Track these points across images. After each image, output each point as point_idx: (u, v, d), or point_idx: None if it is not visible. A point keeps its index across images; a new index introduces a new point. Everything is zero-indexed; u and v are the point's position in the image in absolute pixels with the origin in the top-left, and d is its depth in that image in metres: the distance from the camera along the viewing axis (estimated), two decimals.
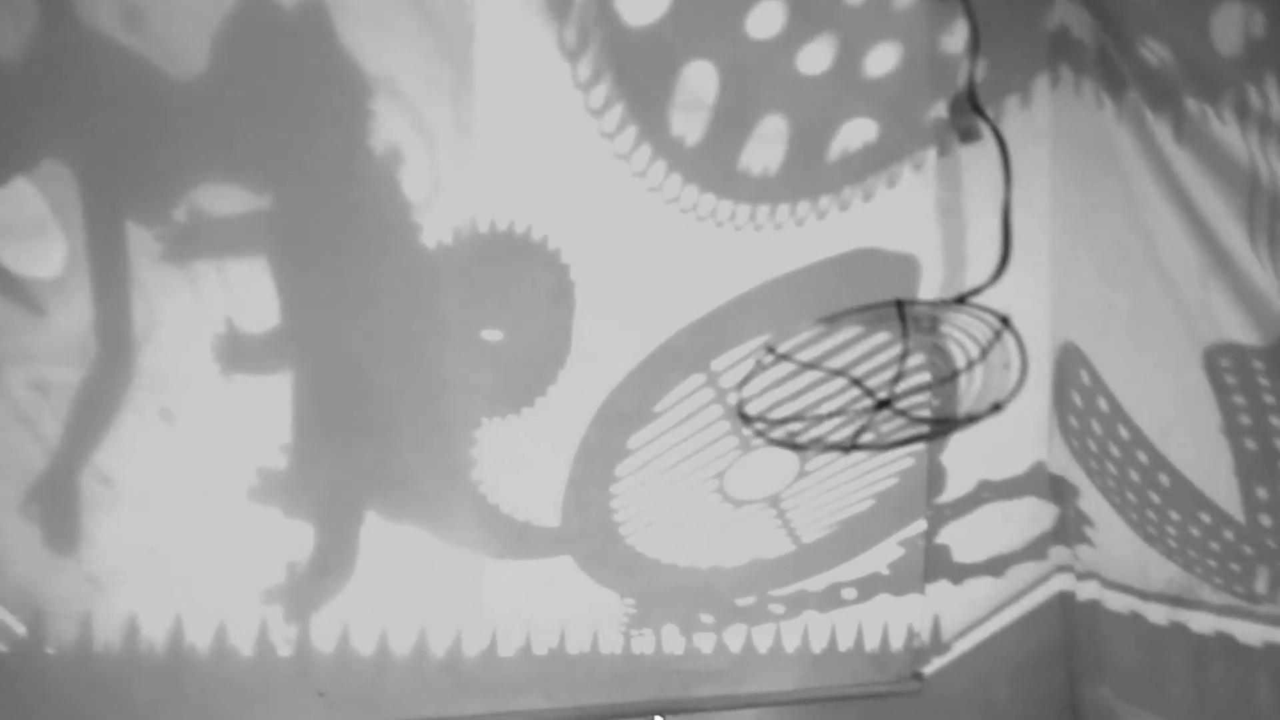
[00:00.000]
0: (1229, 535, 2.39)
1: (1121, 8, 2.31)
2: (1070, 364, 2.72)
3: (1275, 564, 2.28)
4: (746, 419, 2.43)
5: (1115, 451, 2.63)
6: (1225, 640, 2.37)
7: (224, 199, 2.06)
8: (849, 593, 2.61)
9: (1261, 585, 2.32)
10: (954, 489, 2.68)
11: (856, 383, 2.49)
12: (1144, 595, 2.60)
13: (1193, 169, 2.20)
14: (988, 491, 2.73)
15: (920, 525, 2.64)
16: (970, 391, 2.59)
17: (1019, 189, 2.50)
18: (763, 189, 2.33)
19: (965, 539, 2.72)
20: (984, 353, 2.55)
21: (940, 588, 2.71)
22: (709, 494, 2.46)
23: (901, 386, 2.53)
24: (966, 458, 2.67)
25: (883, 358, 2.52)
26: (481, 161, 2.14)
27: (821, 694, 2.62)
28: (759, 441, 2.48)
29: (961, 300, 2.51)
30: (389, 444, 2.28)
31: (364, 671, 2.31)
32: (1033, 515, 2.79)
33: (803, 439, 2.49)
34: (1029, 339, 2.62)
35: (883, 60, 2.34)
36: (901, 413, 2.53)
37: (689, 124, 2.24)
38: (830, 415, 2.50)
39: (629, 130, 2.20)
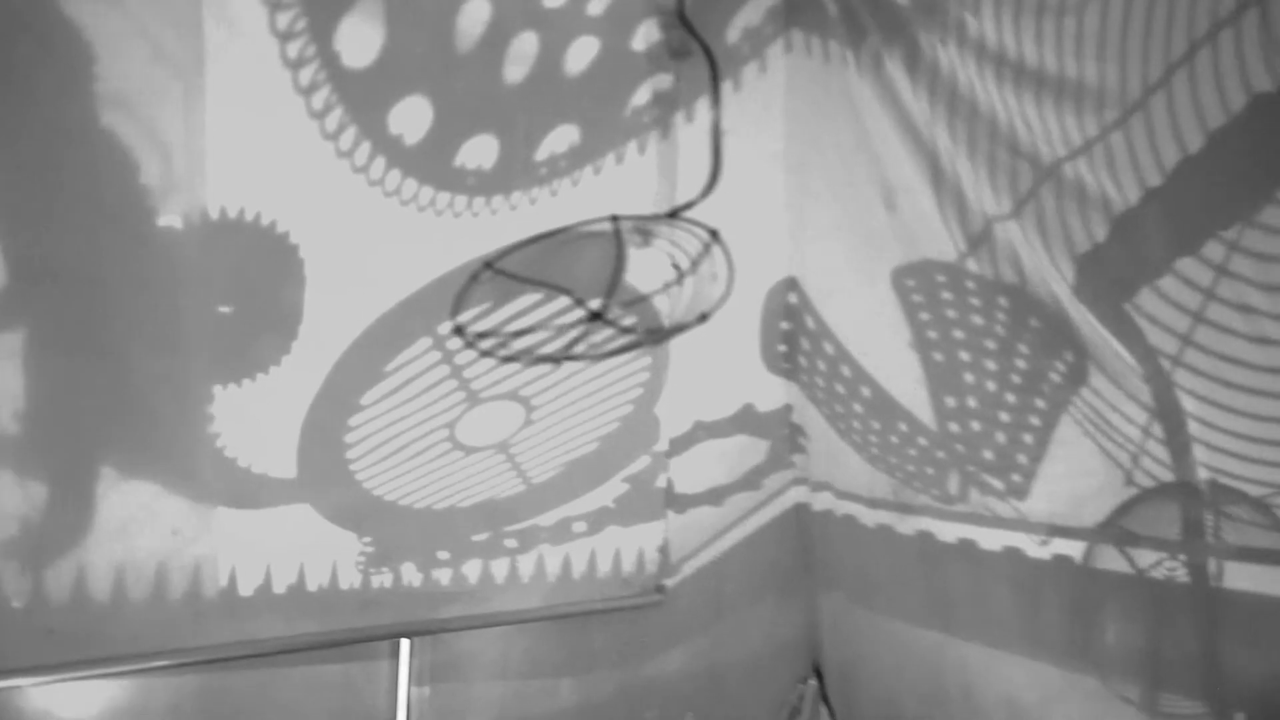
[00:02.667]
0: (923, 442, 2.63)
1: None
2: (781, 289, 2.91)
3: (964, 467, 2.52)
4: (461, 332, 2.48)
5: (823, 366, 2.86)
6: (926, 537, 2.63)
7: None
8: (579, 526, 2.73)
9: (953, 487, 2.57)
10: (673, 430, 2.82)
11: (570, 295, 2.58)
12: (860, 499, 2.83)
13: (924, 101, 2.39)
14: (703, 431, 2.88)
15: (644, 462, 2.79)
16: (680, 302, 2.73)
17: (758, 140, 2.72)
18: (480, 181, 2.49)
19: (684, 474, 2.86)
20: (694, 265, 2.69)
21: (667, 517, 2.84)
22: (441, 442, 2.54)
23: (614, 299, 2.63)
24: (685, 401, 2.81)
25: (598, 271, 2.60)
26: (212, 159, 2.22)
27: (569, 610, 2.73)
28: (486, 392, 2.55)
29: (674, 214, 2.64)
30: (125, 405, 2.33)
31: (99, 613, 2.36)
32: (746, 451, 2.98)
33: (518, 351, 2.55)
34: (763, 281, 2.86)
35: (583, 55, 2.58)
36: (613, 324, 2.63)
37: (407, 126, 2.40)
38: (545, 328, 2.57)
39: (349, 130, 2.33)
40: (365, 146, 2.37)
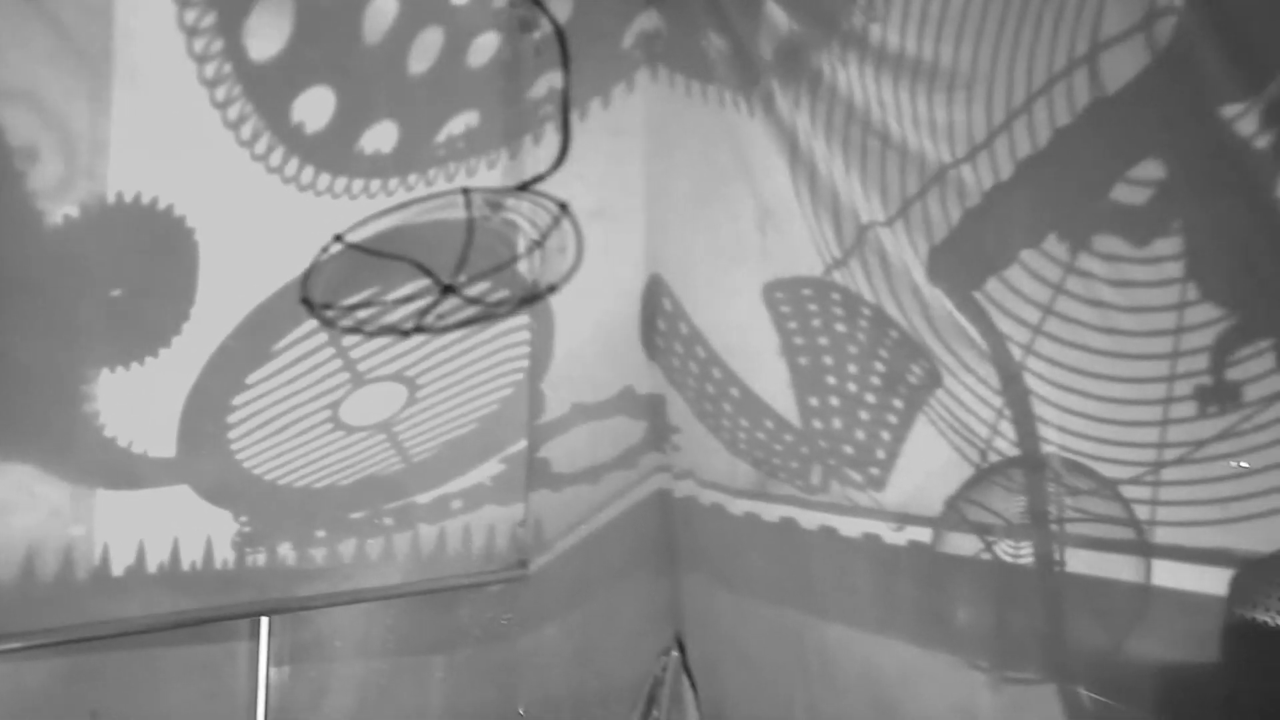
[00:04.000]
0: (789, 438, 2.80)
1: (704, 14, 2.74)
2: (656, 292, 3.08)
3: (826, 461, 2.70)
4: (310, 306, 2.49)
5: (694, 368, 3.01)
6: (790, 525, 2.79)
7: None
8: (456, 503, 2.79)
9: (816, 479, 2.74)
10: (552, 411, 2.93)
11: (422, 268, 2.62)
12: (727, 490, 2.97)
13: (763, 137, 2.62)
14: (581, 413, 3.00)
15: (521, 444, 2.87)
16: (530, 274, 2.81)
17: (617, 161, 2.87)
18: (376, 166, 2.54)
19: (563, 454, 2.98)
20: (543, 238, 2.78)
21: (541, 495, 2.94)
22: (323, 423, 2.56)
23: (465, 272, 2.68)
24: (564, 384, 2.92)
25: (449, 244, 2.66)
26: (115, 147, 2.23)
27: (431, 586, 2.77)
28: (372, 373, 2.58)
29: (524, 187, 2.72)
30: (4, 388, 2.29)
31: None
32: (623, 432, 3.12)
33: (369, 324, 2.57)
34: (628, 278, 3.00)
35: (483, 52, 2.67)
36: (464, 296, 2.68)
37: (309, 115, 2.44)
38: (396, 301, 2.60)
39: (250, 120, 2.37)
40: (265, 135, 2.40)
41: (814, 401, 2.72)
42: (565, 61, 2.68)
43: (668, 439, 3.15)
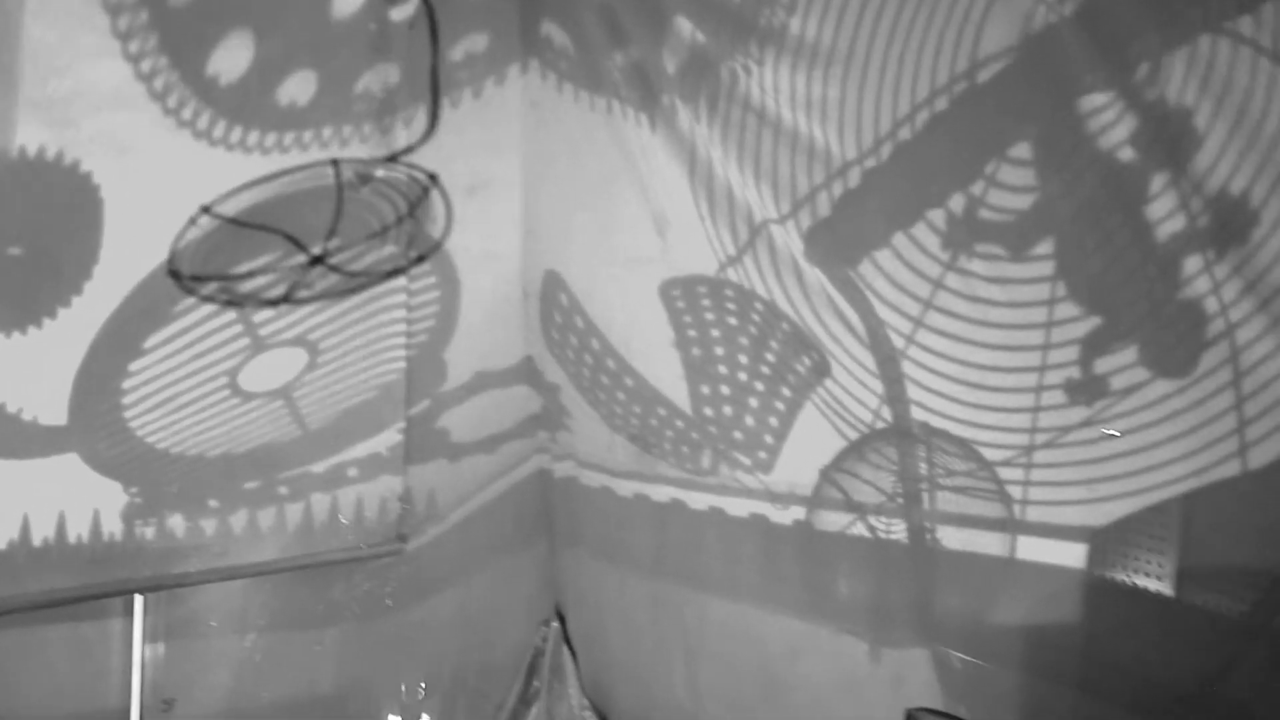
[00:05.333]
0: (680, 424, 2.89)
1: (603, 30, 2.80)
2: (553, 288, 3.14)
3: (715, 445, 2.80)
4: (178, 276, 2.47)
5: (589, 359, 3.07)
6: (679, 506, 2.88)
7: None
8: (352, 471, 2.81)
9: (705, 462, 2.84)
10: (454, 379, 2.99)
11: (291, 239, 2.62)
12: (614, 473, 3.08)
13: (661, 150, 2.68)
14: (483, 381, 3.07)
15: (419, 409, 2.92)
16: (399, 244, 2.83)
17: (493, 142, 2.89)
18: (288, 118, 2.53)
19: (462, 422, 3.05)
20: (412, 209, 2.80)
21: (439, 465, 3.01)
22: (220, 390, 2.56)
23: (334, 242, 2.70)
24: (465, 352, 2.98)
25: (318, 215, 2.67)
26: (21, 101, 2.17)
27: (306, 561, 2.78)
28: (273, 338, 2.60)
29: (394, 158, 2.73)
30: None
31: None
32: (521, 401, 3.20)
33: (237, 295, 2.57)
34: (508, 254, 3.05)
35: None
36: (333, 267, 2.70)
37: (223, 67, 2.41)
38: (263, 271, 2.61)
39: (163, 74, 2.34)
40: (178, 89, 2.35)
41: (705, 390, 2.82)
42: (435, 37, 2.69)
43: (561, 424, 3.22)
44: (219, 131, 2.42)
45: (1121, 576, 1.93)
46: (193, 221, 2.44)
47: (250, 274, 2.55)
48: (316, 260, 2.63)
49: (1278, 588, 1.70)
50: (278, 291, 2.59)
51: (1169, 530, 1.86)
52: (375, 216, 2.75)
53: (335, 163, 2.61)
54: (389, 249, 2.78)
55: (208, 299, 2.49)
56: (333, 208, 2.64)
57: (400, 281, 2.78)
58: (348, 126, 2.64)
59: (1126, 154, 1.86)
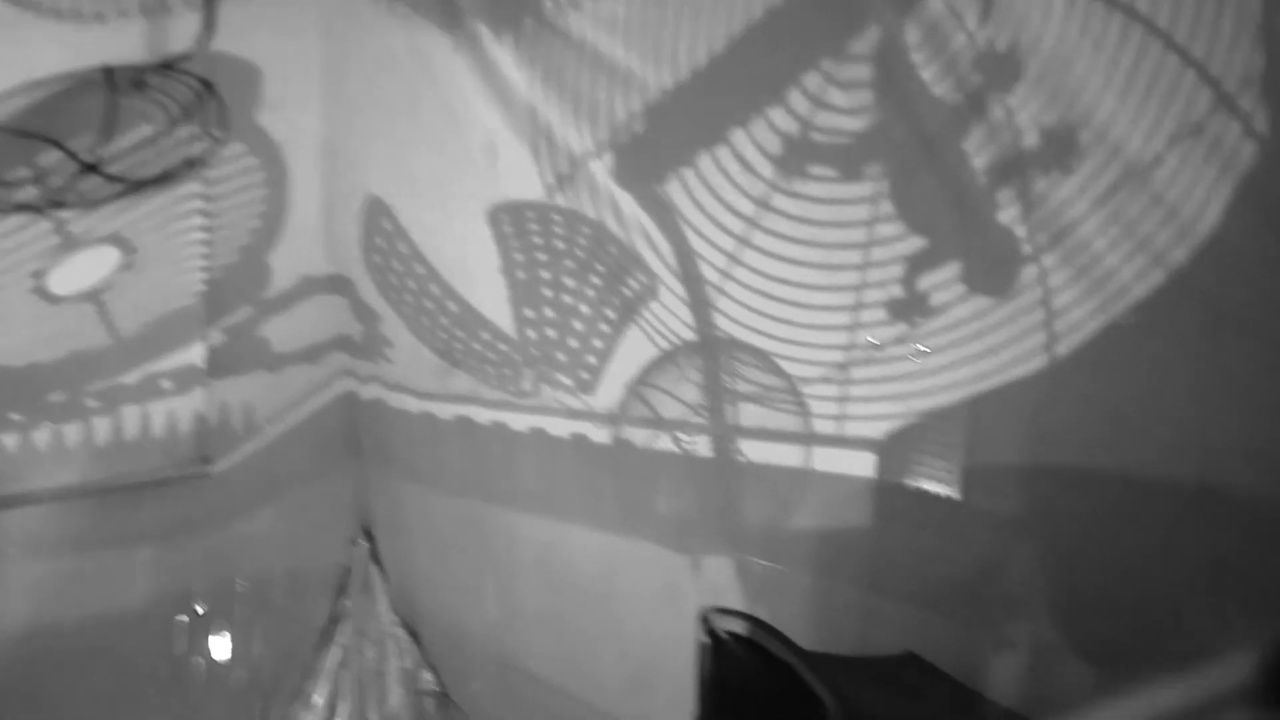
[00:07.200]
0: (504, 348, 2.93)
1: None
2: (376, 213, 3.10)
3: (537, 368, 2.85)
4: None
5: (412, 285, 3.06)
6: (500, 427, 2.92)
7: None
8: (165, 384, 2.76)
9: (527, 385, 2.89)
10: (278, 285, 2.96)
11: (61, 147, 2.53)
12: (431, 396, 3.09)
13: (471, 73, 2.68)
14: (309, 286, 3.06)
15: (238, 316, 2.87)
16: (170, 150, 2.74)
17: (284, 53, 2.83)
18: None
19: (285, 330, 3.03)
20: (185, 114, 2.72)
21: (258, 377, 2.99)
22: (25, 292, 2.47)
23: (107, 150, 2.61)
24: (288, 256, 2.96)
25: (89, 121, 2.58)
26: None
27: (108, 485, 2.71)
28: (86, 235, 2.51)
29: (168, 66, 2.67)
30: None
31: None
32: (344, 312, 3.19)
33: (6, 204, 2.48)
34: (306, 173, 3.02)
35: None
36: (105, 174, 2.62)
37: None
38: (27, 180, 2.51)
39: None
40: None
41: (529, 313, 2.87)
42: None
43: (378, 351, 3.20)
44: None
45: (909, 481, 2.09)
46: None
47: (19, 181, 2.44)
48: (89, 168, 2.53)
49: (1042, 485, 1.88)
50: (49, 198, 2.48)
51: (956, 436, 2.02)
52: (150, 123, 2.65)
53: (108, 70, 2.51)
54: (166, 155, 2.68)
55: None
56: (104, 114, 2.53)
57: (194, 187, 2.70)
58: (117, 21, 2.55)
59: (952, 81, 1.92)
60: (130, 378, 2.67)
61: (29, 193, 2.43)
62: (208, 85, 2.63)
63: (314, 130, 3.05)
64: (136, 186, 2.61)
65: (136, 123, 2.61)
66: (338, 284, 3.24)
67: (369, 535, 3.15)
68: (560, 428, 2.74)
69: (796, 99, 2.14)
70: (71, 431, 2.57)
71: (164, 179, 2.65)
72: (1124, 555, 1.72)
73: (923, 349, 2.01)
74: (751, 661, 1.76)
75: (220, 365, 2.92)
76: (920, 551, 2.00)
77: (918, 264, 2.02)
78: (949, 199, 1.97)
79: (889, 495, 2.06)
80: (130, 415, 2.70)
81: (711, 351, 2.38)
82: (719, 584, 2.37)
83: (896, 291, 2.04)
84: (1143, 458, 1.70)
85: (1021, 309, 1.86)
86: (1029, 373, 1.84)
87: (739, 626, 1.79)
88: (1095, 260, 1.76)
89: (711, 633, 1.82)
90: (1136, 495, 1.71)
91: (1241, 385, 1.61)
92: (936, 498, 1.98)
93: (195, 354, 2.80)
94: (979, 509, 1.92)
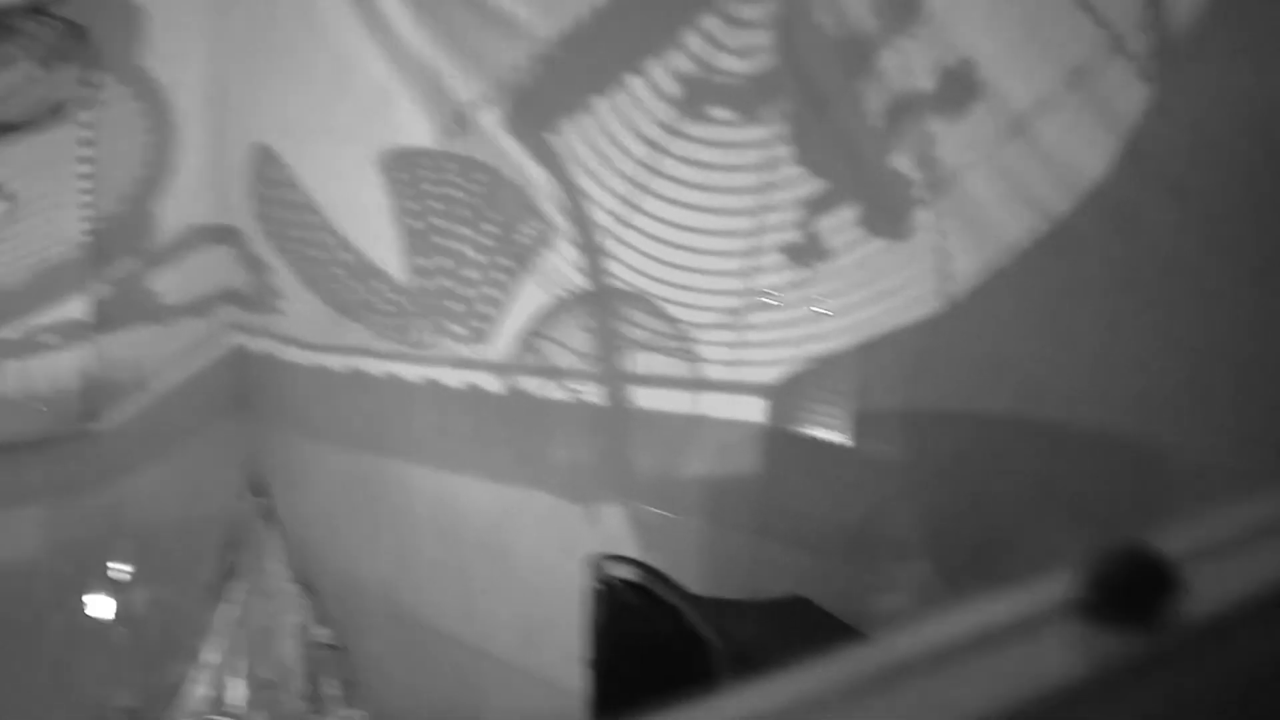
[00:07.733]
0: (397, 297, 2.88)
1: None
2: (265, 162, 3.04)
3: (430, 318, 2.81)
4: None
5: (303, 235, 3.01)
6: (394, 379, 2.88)
7: None
8: (50, 338, 2.67)
9: (423, 336, 2.83)
10: (164, 236, 2.90)
11: None
12: (322, 348, 3.04)
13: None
14: (198, 236, 2.99)
15: (123, 269, 2.80)
16: (38, 96, 2.69)
17: None
18: None
19: (174, 282, 2.97)
20: (56, 58, 2.66)
21: (144, 331, 2.92)
22: None
23: None
24: (175, 207, 2.91)
25: None
26: None
27: None
28: None
29: (38, 10, 2.62)
30: None
31: None
32: (225, 264, 3.13)
33: None
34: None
35: None
36: None
37: None
38: None
39: None
40: None
41: (421, 262, 2.82)
42: None
43: (268, 304, 3.14)
44: None
45: (799, 427, 2.12)
46: None
47: None
48: None
49: (924, 430, 1.92)
50: None
51: (846, 382, 2.05)
52: (16, 68, 2.57)
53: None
54: (34, 100, 2.60)
55: None
56: None
57: (75, 132, 2.62)
58: None
59: (854, 19, 1.92)
60: (11, 332, 2.57)
61: None
62: (79, 29, 2.54)
63: (200, 75, 2.98)
64: (2, 131, 2.53)
65: (3, 67, 2.53)
66: (226, 234, 3.17)
67: (262, 490, 3.09)
68: (454, 378, 2.71)
69: (693, 40, 2.13)
70: None
71: (29, 124, 2.57)
72: (989, 494, 1.77)
73: (823, 311, 2.02)
74: (641, 607, 1.77)
75: (106, 319, 2.84)
76: (809, 496, 2.03)
77: (815, 208, 2.04)
78: (845, 143, 1.98)
79: (779, 441, 2.08)
80: (11, 371, 2.60)
81: (606, 299, 2.37)
82: (614, 533, 2.38)
83: (794, 236, 2.06)
84: (1012, 402, 1.75)
85: (914, 253, 1.89)
86: (918, 318, 1.87)
87: (629, 573, 1.80)
88: (980, 209, 1.80)
89: (602, 579, 1.82)
90: (1002, 435, 1.76)
91: (1098, 333, 1.65)
92: (826, 443, 2.01)
93: (80, 307, 2.72)
94: (866, 454, 1.95)
